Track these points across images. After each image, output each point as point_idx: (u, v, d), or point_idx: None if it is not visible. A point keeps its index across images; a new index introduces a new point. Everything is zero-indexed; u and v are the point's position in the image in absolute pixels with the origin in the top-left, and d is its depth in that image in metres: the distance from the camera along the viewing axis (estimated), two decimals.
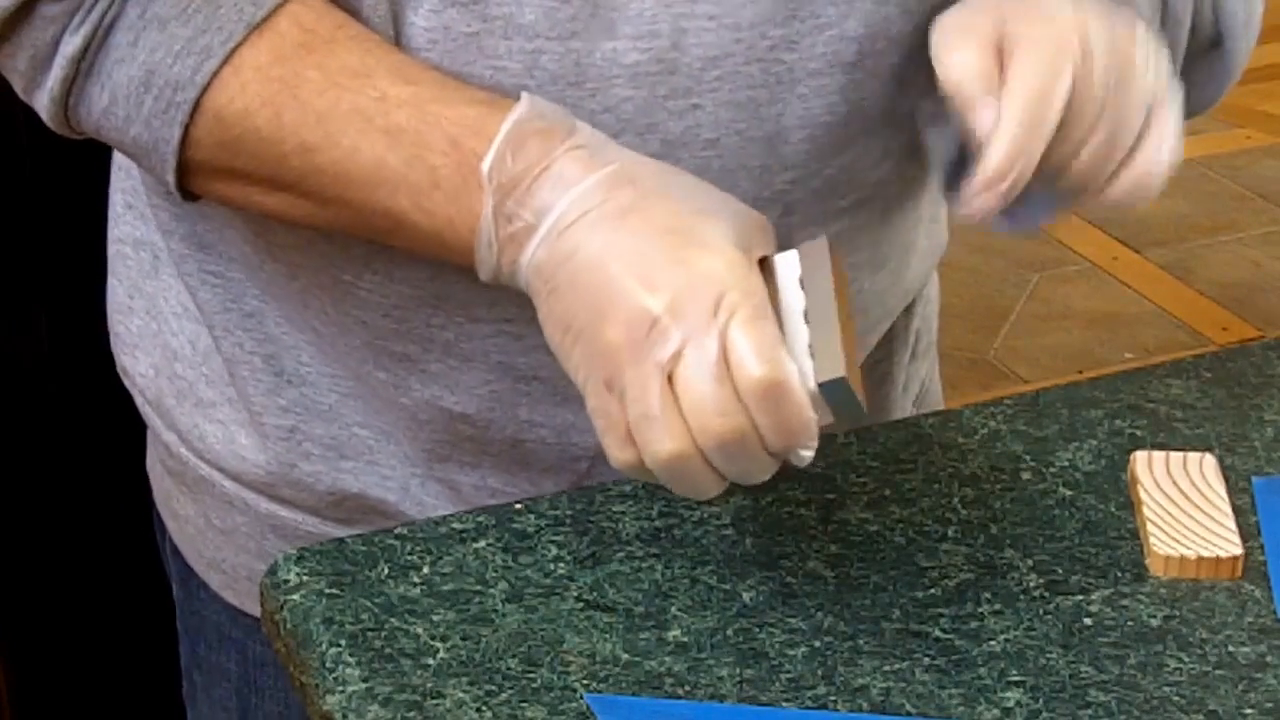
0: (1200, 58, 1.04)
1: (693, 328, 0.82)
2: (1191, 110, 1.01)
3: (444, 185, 0.88)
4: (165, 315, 1.09)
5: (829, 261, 0.86)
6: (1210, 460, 0.98)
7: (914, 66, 0.98)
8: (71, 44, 0.92)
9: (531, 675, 0.85)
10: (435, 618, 0.88)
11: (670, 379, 0.82)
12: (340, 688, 0.84)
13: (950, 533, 0.94)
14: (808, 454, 0.84)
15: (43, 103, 0.95)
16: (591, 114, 0.92)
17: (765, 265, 0.86)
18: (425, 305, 0.98)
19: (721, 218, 0.85)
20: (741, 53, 0.94)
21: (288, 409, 1.05)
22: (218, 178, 0.94)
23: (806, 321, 0.84)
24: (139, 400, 1.14)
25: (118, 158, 1.13)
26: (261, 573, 1.06)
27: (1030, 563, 0.92)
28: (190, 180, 0.95)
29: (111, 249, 1.13)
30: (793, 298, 0.85)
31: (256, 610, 1.08)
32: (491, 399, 1.01)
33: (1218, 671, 0.86)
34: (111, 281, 1.14)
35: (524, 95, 0.88)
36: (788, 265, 0.86)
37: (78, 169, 1.62)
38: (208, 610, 1.15)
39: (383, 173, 0.89)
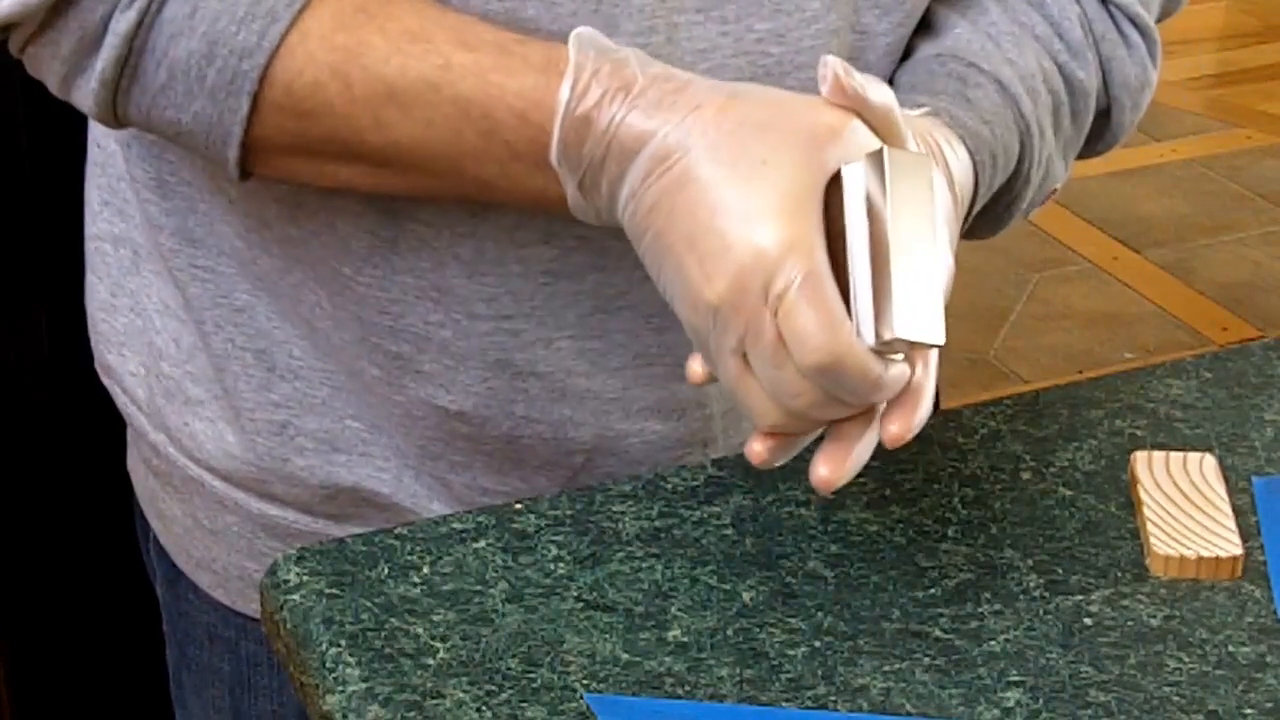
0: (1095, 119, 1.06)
1: (749, 317, 0.83)
2: (1080, 157, 1.07)
3: (524, 158, 0.89)
4: (149, 313, 1.09)
5: (909, 168, 0.82)
6: (1210, 460, 0.98)
7: (893, 60, 1.01)
8: (124, 20, 0.90)
9: (531, 675, 0.85)
10: (435, 618, 0.88)
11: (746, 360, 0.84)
12: (340, 688, 0.84)
13: (950, 533, 0.94)
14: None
15: (89, 89, 0.93)
16: None
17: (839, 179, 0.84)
18: (425, 299, 0.98)
19: (777, 165, 0.83)
20: (729, 45, 0.94)
21: (280, 404, 1.05)
22: (285, 153, 0.93)
23: (875, 243, 0.82)
24: (122, 400, 1.13)
25: (93, 154, 1.12)
26: (253, 571, 1.07)
27: (1030, 563, 0.92)
28: (253, 158, 0.93)
29: (89, 246, 1.12)
30: (856, 226, 0.82)
31: (249, 610, 1.09)
32: (488, 396, 1.01)
33: (1218, 671, 0.86)
34: (91, 279, 1.13)
35: (571, 54, 0.87)
36: (853, 181, 0.83)
37: (77, 170, 1.62)
38: (197, 611, 1.15)
39: (462, 145, 0.89)
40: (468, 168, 0.90)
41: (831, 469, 0.85)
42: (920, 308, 0.81)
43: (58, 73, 0.94)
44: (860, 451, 0.86)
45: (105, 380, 1.14)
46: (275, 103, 0.90)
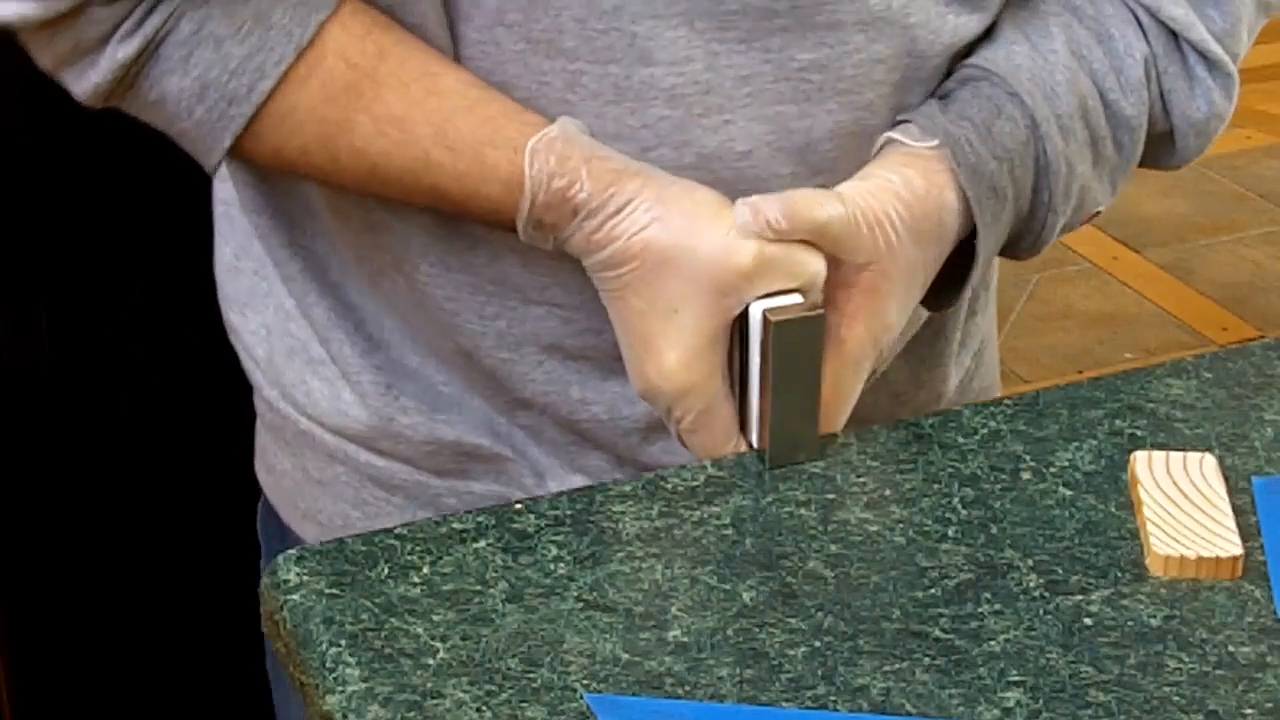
0: (1153, 141, 1.11)
1: (660, 413, 1.00)
2: (1149, 167, 1.14)
3: (495, 219, 0.99)
4: (274, 276, 1.14)
5: (794, 334, 0.96)
6: (1210, 460, 0.98)
7: (940, 75, 1.05)
8: (124, 50, 0.96)
9: (531, 675, 0.85)
10: (435, 618, 0.88)
11: None
12: (340, 688, 0.84)
13: (950, 533, 0.94)
14: None
15: (80, 85, 0.99)
16: (630, 129, 0.98)
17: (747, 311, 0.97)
18: (480, 292, 1.04)
19: (686, 314, 0.96)
20: (771, 72, 0.99)
21: (380, 368, 1.10)
22: (266, 166, 1.04)
23: (763, 381, 0.97)
24: (244, 357, 1.18)
25: None
26: (356, 519, 1.14)
27: (1030, 563, 0.92)
28: (233, 158, 1.02)
29: (217, 209, 1.18)
30: (755, 355, 0.97)
31: None
32: (545, 381, 1.06)
33: (1218, 671, 0.86)
34: (217, 240, 1.18)
35: (527, 172, 0.96)
36: (755, 324, 0.97)
37: (78, 171, 1.62)
38: None
39: (439, 211, 1.01)
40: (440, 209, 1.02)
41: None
42: (789, 439, 0.98)
43: (49, 60, 0.99)
44: None
45: (231, 338, 1.19)
46: (264, 155, 1.00)
